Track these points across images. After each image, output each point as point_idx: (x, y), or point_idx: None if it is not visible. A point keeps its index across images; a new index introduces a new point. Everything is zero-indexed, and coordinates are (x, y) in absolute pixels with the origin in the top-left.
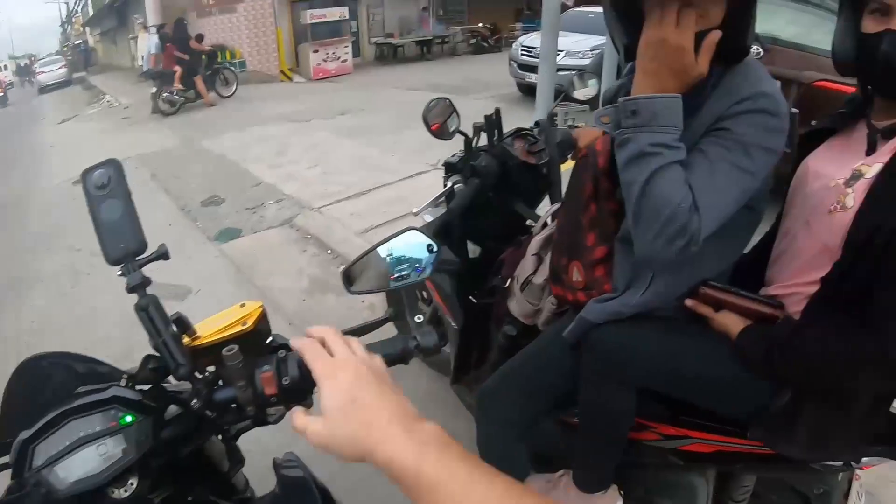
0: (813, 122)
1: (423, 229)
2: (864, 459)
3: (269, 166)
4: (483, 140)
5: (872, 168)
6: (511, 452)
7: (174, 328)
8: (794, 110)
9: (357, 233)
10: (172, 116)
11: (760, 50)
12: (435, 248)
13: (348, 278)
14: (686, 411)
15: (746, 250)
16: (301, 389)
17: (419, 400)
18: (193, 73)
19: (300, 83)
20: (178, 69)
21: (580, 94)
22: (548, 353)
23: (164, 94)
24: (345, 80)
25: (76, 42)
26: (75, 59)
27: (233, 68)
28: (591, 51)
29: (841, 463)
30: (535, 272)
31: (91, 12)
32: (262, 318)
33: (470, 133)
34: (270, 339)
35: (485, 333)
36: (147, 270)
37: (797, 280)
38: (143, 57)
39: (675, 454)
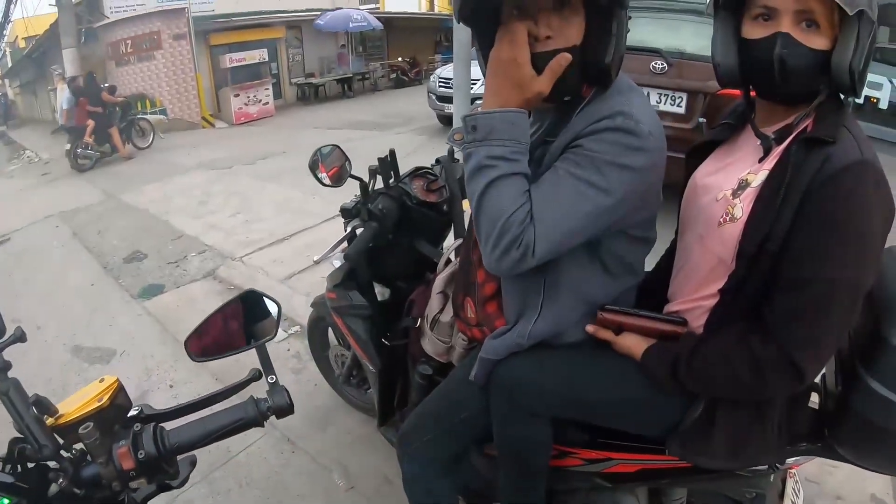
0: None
1: (259, 291)
2: (791, 460)
3: (192, 217)
4: (380, 183)
5: (758, 176)
6: (436, 490)
7: (34, 410)
8: (702, 119)
9: (280, 280)
10: (93, 171)
11: (665, 65)
12: (277, 305)
13: (193, 347)
14: (604, 434)
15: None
16: (158, 463)
17: (349, 444)
18: (108, 125)
19: (222, 128)
20: (90, 123)
21: None
22: (460, 390)
23: (79, 150)
24: (267, 122)
25: None
26: None
27: (148, 118)
28: None
29: (766, 467)
30: (441, 310)
31: (9, 64)
32: (119, 392)
33: (365, 177)
34: (137, 409)
35: (404, 374)
36: (75, 335)
37: (697, 294)
38: (59, 110)
39: (601, 477)
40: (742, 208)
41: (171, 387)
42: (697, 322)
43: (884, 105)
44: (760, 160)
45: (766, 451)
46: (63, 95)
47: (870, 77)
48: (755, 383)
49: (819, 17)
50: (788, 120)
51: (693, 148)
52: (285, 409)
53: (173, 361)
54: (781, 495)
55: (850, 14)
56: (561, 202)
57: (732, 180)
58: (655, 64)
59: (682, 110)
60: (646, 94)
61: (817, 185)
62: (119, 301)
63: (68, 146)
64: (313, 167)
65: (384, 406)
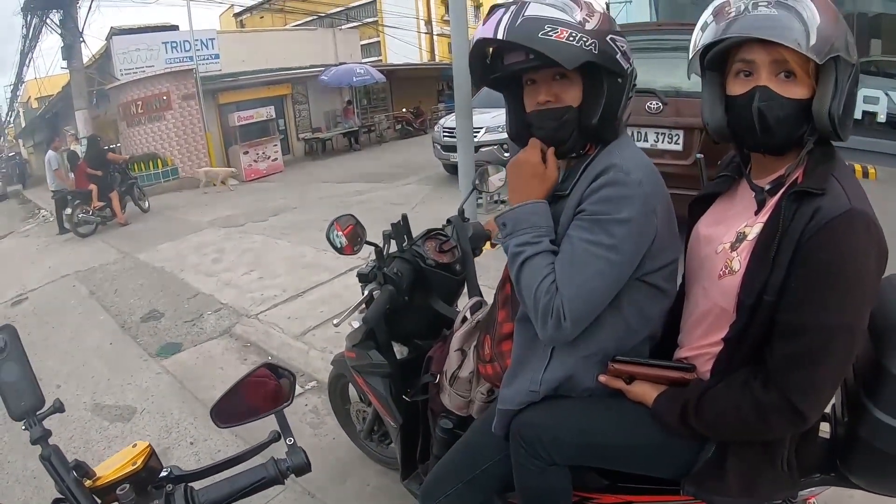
0: (719, 164)
1: (274, 364)
2: (806, 491)
3: (206, 275)
4: (394, 246)
5: (754, 229)
6: None
7: (75, 473)
8: (700, 155)
9: (295, 336)
10: (107, 231)
11: (660, 104)
12: (292, 375)
13: (219, 415)
14: (622, 478)
15: None
16: None
17: (368, 495)
18: (109, 189)
19: (233, 185)
20: (93, 187)
21: (494, 181)
22: (481, 443)
23: (81, 215)
24: (277, 178)
25: (9, 154)
26: (9, 172)
27: (139, 185)
28: None
29: (781, 502)
30: (460, 367)
31: (23, 124)
32: (151, 456)
33: (380, 242)
34: (167, 470)
35: (425, 428)
36: (95, 394)
37: (703, 342)
38: (54, 174)
39: None
40: (740, 261)
41: (191, 443)
42: (704, 368)
43: (882, 118)
44: (756, 213)
45: (778, 487)
46: (50, 156)
47: (866, 91)
48: (759, 426)
49: (795, 67)
50: (780, 171)
51: (696, 199)
52: (303, 468)
53: (193, 419)
54: None
55: (820, 63)
56: (578, 267)
57: (731, 233)
58: (651, 104)
59: (679, 147)
60: (643, 133)
61: (809, 235)
62: (137, 359)
63: (68, 211)
64: (330, 237)
65: (406, 460)
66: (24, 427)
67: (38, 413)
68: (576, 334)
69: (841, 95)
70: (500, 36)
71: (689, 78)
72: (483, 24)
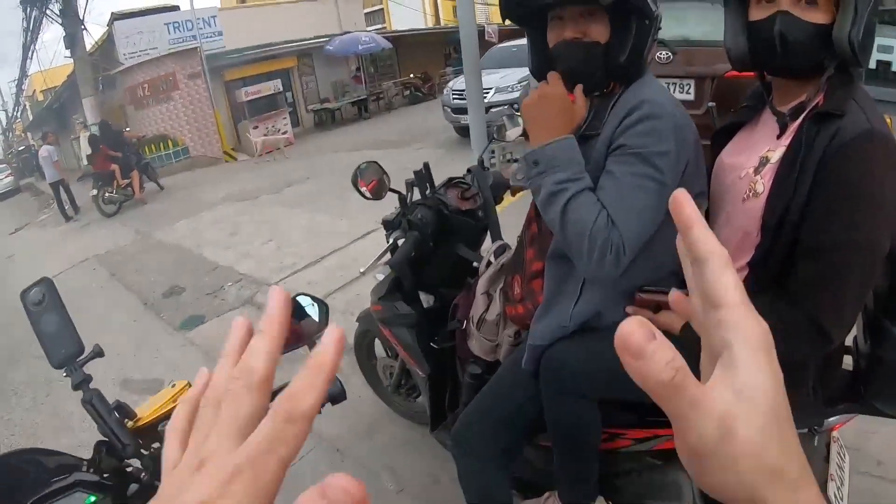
0: (732, 111)
1: (306, 294)
2: (832, 419)
3: (224, 248)
4: (417, 195)
5: (777, 153)
6: (491, 484)
7: (116, 415)
8: (711, 104)
9: None
10: (122, 213)
11: (670, 54)
12: (325, 304)
13: None
14: (650, 412)
15: None
16: None
17: (396, 449)
18: (129, 169)
19: (244, 161)
20: (115, 167)
21: (511, 133)
22: (511, 382)
23: (106, 195)
24: (288, 151)
25: (19, 148)
26: (21, 165)
27: (151, 165)
28: (519, 83)
29: (806, 430)
30: (486, 309)
31: (30, 117)
32: None
33: (403, 190)
34: None
35: (453, 377)
36: (122, 369)
37: None
38: (86, 157)
39: (652, 455)
40: (763, 184)
41: None
42: None
43: None
44: (778, 137)
45: (804, 413)
46: (49, 148)
47: (880, 41)
48: (785, 348)
49: None
50: (801, 97)
51: (718, 130)
52: (339, 396)
53: None
54: (826, 459)
55: None
56: (631, 201)
57: (754, 158)
58: (661, 54)
59: (690, 97)
60: None
61: (829, 155)
62: (162, 334)
63: (94, 192)
64: (355, 182)
65: (436, 410)
66: (64, 374)
67: (78, 359)
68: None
69: (860, 21)
70: None
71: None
72: None
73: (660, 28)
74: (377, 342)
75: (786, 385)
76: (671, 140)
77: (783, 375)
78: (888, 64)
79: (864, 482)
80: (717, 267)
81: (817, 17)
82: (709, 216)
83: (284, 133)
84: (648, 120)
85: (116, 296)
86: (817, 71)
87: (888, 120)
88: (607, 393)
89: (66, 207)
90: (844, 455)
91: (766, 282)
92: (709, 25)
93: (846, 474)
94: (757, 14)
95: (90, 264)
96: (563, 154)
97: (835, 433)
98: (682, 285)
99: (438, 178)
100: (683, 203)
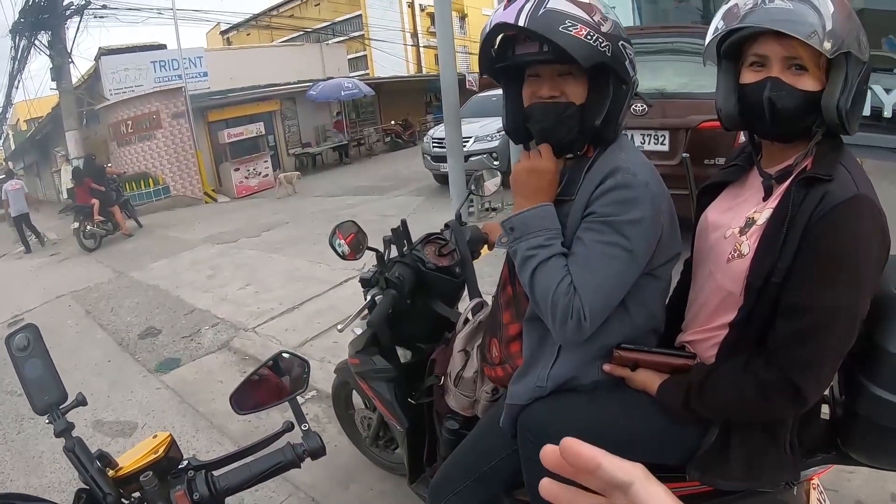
0: (707, 161)
1: (289, 351)
2: (809, 471)
3: (202, 290)
4: (395, 251)
5: (763, 214)
6: None
7: (98, 463)
8: (685, 154)
9: (293, 348)
10: (100, 249)
11: (645, 107)
12: (306, 362)
13: (237, 403)
14: None
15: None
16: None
17: (372, 500)
18: (110, 203)
19: (225, 202)
20: (95, 202)
21: (490, 185)
22: (488, 439)
23: (87, 229)
24: (268, 194)
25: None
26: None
27: (130, 202)
28: (498, 132)
29: (783, 483)
30: (464, 367)
31: (13, 146)
32: (172, 446)
33: (380, 247)
34: (186, 461)
35: (431, 431)
36: (96, 410)
37: (709, 325)
38: (66, 191)
39: None
40: (749, 245)
41: (194, 456)
42: (709, 353)
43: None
44: (765, 199)
45: (781, 468)
46: (17, 183)
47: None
48: (761, 405)
49: (806, 62)
50: (789, 160)
51: (705, 186)
52: (319, 451)
53: (195, 432)
54: None
55: (830, 57)
56: (596, 269)
57: (740, 218)
58: (636, 106)
59: (665, 148)
60: (629, 136)
61: (816, 220)
62: (137, 376)
63: (75, 225)
64: (332, 243)
65: (414, 463)
66: (47, 421)
67: (61, 407)
68: (591, 332)
69: (850, 90)
70: (521, 23)
71: (703, 65)
72: (504, 9)
73: (636, 94)
74: (355, 393)
75: (763, 442)
76: (644, 208)
77: (762, 434)
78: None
79: None
80: (644, 483)
81: (807, 83)
82: (692, 270)
83: (266, 175)
84: (621, 189)
85: (92, 334)
86: (806, 135)
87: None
88: None
89: (32, 241)
90: (825, 501)
91: (745, 341)
92: (684, 78)
93: None
94: (748, 77)
95: (66, 300)
96: (538, 221)
97: (814, 480)
98: (660, 343)
99: (416, 227)
100: (575, 449)
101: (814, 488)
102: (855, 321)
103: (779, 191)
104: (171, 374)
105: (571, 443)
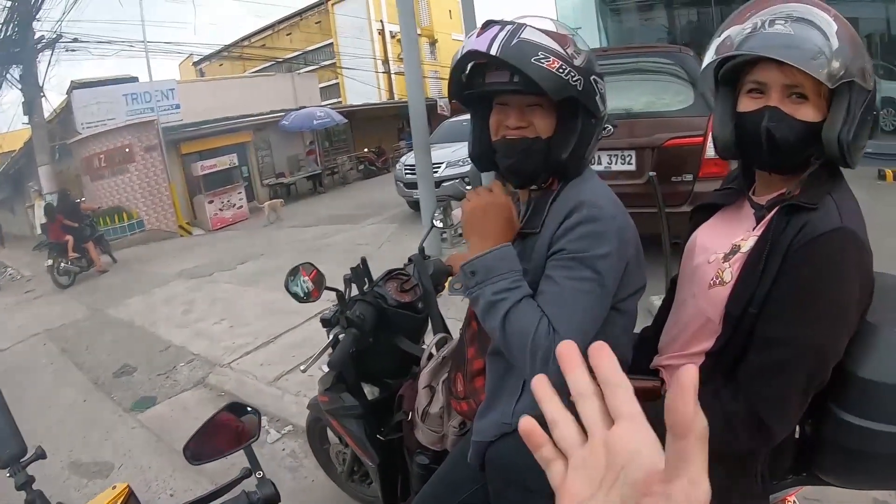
0: (674, 178)
1: (239, 402)
2: (780, 493)
3: (177, 326)
4: (356, 290)
5: (748, 242)
6: None
7: None
8: (652, 173)
9: (268, 382)
10: (75, 286)
11: (611, 128)
12: (257, 412)
13: (191, 454)
14: None
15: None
16: None
17: None
18: (84, 240)
19: (200, 235)
20: (69, 238)
21: (457, 214)
22: (457, 473)
23: (61, 266)
24: (243, 225)
25: None
26: None
27: (105, 238)
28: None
29: None
30: (430, 402)
31: None
32: (130, 496)
33: (341, 287)
34: None
35: (403, 465)
36: (72, 451)
37: (686, 350)
38: (40, 227)
39: None
40: (731, 273)
41: (171, 496)
42: None
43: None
44: (754, 228)
45: (751, 497)
46: (39, 213)
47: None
48: (727, 437)
49: (807, 91)
50: (782, 190)
51: (700, 206)
52: (273, 499)
53: (172, 471)
54: None
55: (831, 87)
56: (571, 306)
57: (727, 244)
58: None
59: (632, 167)
60: (597, 156)
61: (794, 250)
62: (112, 415)
63: (49, 262)
64: (290, 286)
65: (388, 498)
66: (8, 474)
67: (21, 460)
68: None
69: (852, 121)
70: (493, 52)
71: (697, 89)
72: (476, 37)
73: (604, 129)
74: (329, 429)
75: (734, 474)
76: (612, 242)
77: (733, 463)
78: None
79: None
80: (628, 392)
81: (807, 114)
82: (676, 289)
83: (240, 207)
84: (588, 223)
85: (66, 373)
86: (804, 166)
87: (889, 173)
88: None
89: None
90: None
91: (719, 372)
92: (649, 97)
93: None
94: (746, 105)
95: (41, 339)
96: (501, 263)
97: (790, 498)
98: (633, 369)
99: (391, 255)
100: (602, 348)
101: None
102: (826, 360)
103: (766, 219)
104: (147, 413)
105: (602, 345)
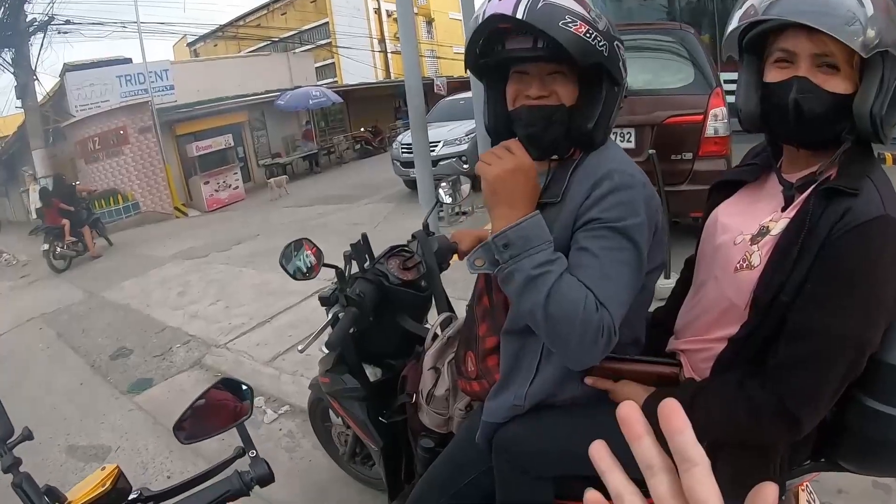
0: (673, 156)
1: (232, 378)
2: (796, 480)
3: (173, 308)
4: (356, 267)
5: (779, 224)
6: None
7: (47, 499)
8: (652, 150)
9: (265, 362)
10: (70, 270)
11: None
12: (249, 388)
13: (181, 432)
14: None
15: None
16: None
17: None
18: (80, 224)
19: (196, 216)
20: (65, 222)
21: (465, 190)
22: (463, 454)
23: (57, 250)
24: (239, 206)
25: None
26: None
27: (101, 221)
28: (466, 136)
29: None
30: (435, 385)
31: None
32: (120, 477)
33: (340, 264)
34: (137, 492)
35: (407, 447)
36: (69, 435)
37: (707, 336)
38: (35, 211)
39: None
40: (760, 256)
41: (168, 477)
42: (702, 365)
43: None
44: (783, 208)
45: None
46: (34, 198)
47: None
48: (752, 429)
49: (838, 61)
50: (813, 168)
51: (718, 182)
52: (266, 478)
53: (168, 452)
54: None
55: (865, 56)
56: (614, 278)
57: (753, 225)
58: None
59: (632, 145)
60: None
61: (835, 237)
62: (109, 398)
63: (46, 247)
64: (285, 263)
65: (392, 481)
66: None
67: (8, 442)
68: None
69: (886, 94)
70: (519, 15)
71: (723, 59)
72: (499, 0)
73: (626, 96)
74: (331, 409)
75: (753, 463)
76: (643, 211)
77: (753, 454)
78: None
79: None
80: (706, 472)
81: (838, 85)
82: (694, 269)
83: (236, 188)
84: (621, 191)
85: (63, 357)
86: (833, 143)
87: (889, 157)
88: (562, 470)
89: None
90: (815, 501)
91: (744, 360)
92: (648, 74)
93: None
94: (773, 75)
95: (36, 323)
96: (537, 232)
97: (805, 484)
98: (647, 351)
99: (388, 234)
100: (674, 411)
101: (802, 489)
102: (863, 354)
103: (798, 200)
104: (143, 395)
105: (674, 404)
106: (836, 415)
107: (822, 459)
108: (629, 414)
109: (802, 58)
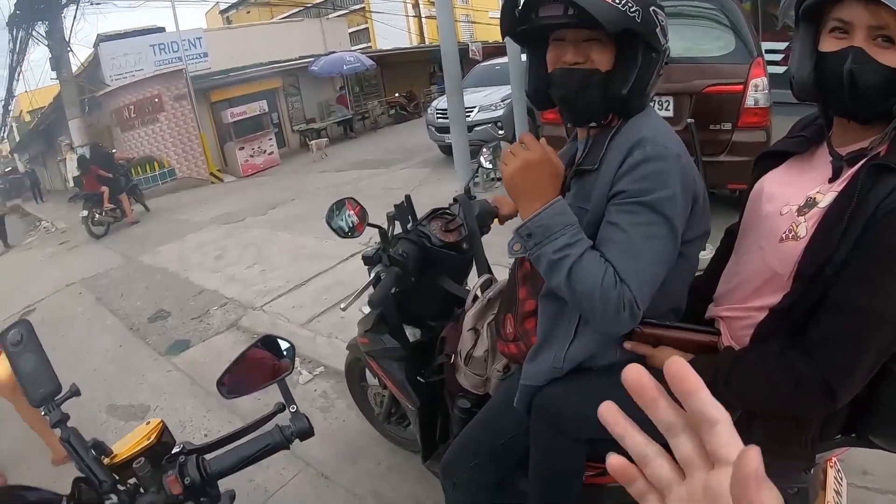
0: (712, 126)
1: (273, 335)
2: (826, 453)
3: (210, 272)
4: (399, 228)
5: (826, 197)
6: None
7: (93, 452)
8: (690, 120)
9: (301, 324)
10: (108, 236)
11: None
12: (291, 344)
13: (224, 387)
14: None
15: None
16: (203, 487)
17: (381, 474)
18: (119, 191)
19: (231, 182)
20: (104, 189)
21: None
22: (500, 416)
23: (96, 217)
24: (274, 171)
25: (6, 169)
26: (7, 186)
27: (138, 187)
28: (502, 101)
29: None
30: (474, 346)
31: (17, 138)
32: (164, 431)
33: (384, 224)
34: (180, 446)
35: (443, 408)
36: (109, 395)
37: (747, 304)
38: (73, 179)
39: None
40: (806, 228)
41: (205, 435)
42: (741, 332)
43: None
44: (831, 180)
45: (797, 461)
46: (72, 166)
47: None
48: (791, 400)
49: (895, 34)
50: (864, 142)
51: (766, 153)
52: (306, 432)
53: (206, 412)
54: (823, 487)
55: None
56: (639, 254)
57: (800, 196)
58: None
59: (670, 113)
60: None
61: (881, 214)
62: (148, 359)
63: (84, 213)
64: (330, 221)
65: (427, 441)
66: (43, 412)
67: (56, 398)
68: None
69: None
70: None
71: (777, 28)
72: None
73: (667, 63)
74: (367, 370)
75: (787, 434)
76: (677, 182)
77: (789, 424)
78: None
79: (851, 493)
80: (729, 429)
81: (893, 59)
82: (736, 238)
83: (271, 153)
84: (651, 161)
85: (102, 320)
86: (886, 117)
87: None
88: (599, 434)
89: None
90: (842, 479)
91: (785, 330)
92: (687, 42)
93: (844, 499)
94: (827, 45)
95: (76, 288)
96: (556, 220)
97: (834, 459)
98: (684, 319)
99: (424, 199)
100: (683, 372)
101: (831, 466)
102: None
103: (847, 174)
104: (181, 356)
105: (680, 363)
106: (869, 389)
107: (853, 434)
108: (638, 378)
109: (859, 29)
